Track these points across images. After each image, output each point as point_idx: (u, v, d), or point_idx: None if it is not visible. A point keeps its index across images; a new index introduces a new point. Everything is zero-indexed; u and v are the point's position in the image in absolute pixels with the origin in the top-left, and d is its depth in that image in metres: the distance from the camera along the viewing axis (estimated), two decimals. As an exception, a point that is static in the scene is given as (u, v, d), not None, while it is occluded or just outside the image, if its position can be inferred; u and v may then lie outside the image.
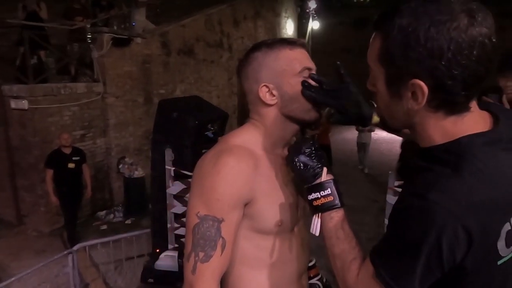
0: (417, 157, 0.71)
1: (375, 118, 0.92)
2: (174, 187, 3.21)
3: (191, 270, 0.85)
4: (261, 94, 0.94)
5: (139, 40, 6.62)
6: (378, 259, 0.69)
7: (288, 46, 0.94)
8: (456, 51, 0.59)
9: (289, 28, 14.18)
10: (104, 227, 5.68)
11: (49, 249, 4.78)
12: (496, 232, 0.61)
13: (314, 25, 14.12)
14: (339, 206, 0.84)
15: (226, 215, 0.86)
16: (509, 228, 0.62)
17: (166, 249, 3.32)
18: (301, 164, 0.88)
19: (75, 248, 3.65)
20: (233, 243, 0.89)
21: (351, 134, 8.79)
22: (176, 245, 3.31)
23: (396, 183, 2.77)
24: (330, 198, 0.84)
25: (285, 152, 1.00)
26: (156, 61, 7.16)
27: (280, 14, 13.46)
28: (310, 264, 1.17)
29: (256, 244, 0.95)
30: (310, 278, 1.15)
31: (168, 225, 3.32)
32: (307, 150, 0.89)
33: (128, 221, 5.80)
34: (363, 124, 0.96)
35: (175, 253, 3.18)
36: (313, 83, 0.92)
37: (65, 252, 3.64)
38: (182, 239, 3.31)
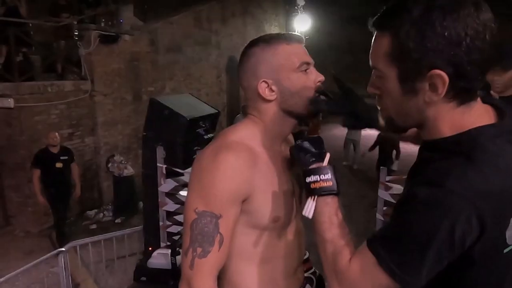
0: (425, 150, 0.72)
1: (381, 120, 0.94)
2: (166, 185, 3.20)
3: (189, 265, 0.86)
4: (260, 90, 0.94)
5: (127, 37, 6.54)
6: (381, 247, 0.68)
7: (286, 41, 0.94)
8: (473, 36, 0.62)
9: (278, 25, 14.18)
10: (94, 226, 5.62)
11: (37, 250, 4.71)
12: (506, 221, 0.63)
13: (302, 22, 14.13)
14: (336, 193, 0.84)
15: (224, 211, 0.86)
16: None
17: (159, 247, 3.31)
18: (304, 148, 0.89)
19: (64, 247, 3.60)
20: (231, 239, 0.90)
21: (340, 131, 8.85)
22: (169, 243, 3.31)
23: (387, 178, 2.82)
24: (329, 183, 0.83)
25: (283, 148, 1.01)
26: (144, 58, 7.09)
27: (268, 11, 13.45)
28: (304, 257, 1.18)
29: (253, 239, 0.96)
30: (304, 271, 1.17)
31: (160, 223, 3.31)
32: (311, 137, 0.92)
33: (118, 220, 5.76)
34: (374, 126, 0.98)
35: (168, 251, 3.17)
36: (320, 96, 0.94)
37: (55, 252, 3.59)
38: (175, 237, 3.31)
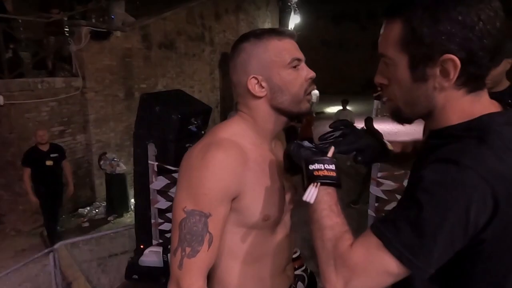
0: (432, 139, 0.72)
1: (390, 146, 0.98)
2: (158, 182, 3.17)
3: (177, 265, 0.85)
4: (250, 86, 0.92)
5: (118, 33, 6.48)
6: (387, 230, 0.64)
7: (277, 37, 0.92)
8: (486, 21, 0.62)
9: (271, 22, 14.15)
10: (86, 224, 5.59)
11: (28, 248, 4.68)
12: None
13: (295, 18, 14.13)
14: (338, 185, 0.81)
15: (213, 209, 0.85)
16: None
17: (151, 244, 3.29)
18: (305, 145, 0.87)
19: (56, 246, 3.57)
20: (220, 238, 0.89)
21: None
22: (161, 241, 3.29)
23: (379, 174, 2.82)
24: (333, 174, 0.80)
25: (274, 145, 0.99)
26: (136, 55, 7.03)
27: (261, 7, 13.41)
28: (295, 255, 1.18)
29: (242, 237, 0.95)
30: (295, 269, 1.16)
31: (152, 221, 3.29)
32: (309, 139, 0.91)
33: (111, 218, 5.74)
34: (387, 155, 0.99)
35: (160, 249, 3.16)
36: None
37: (46, 251, 3.56)
38: (167, 235, 3.29)
